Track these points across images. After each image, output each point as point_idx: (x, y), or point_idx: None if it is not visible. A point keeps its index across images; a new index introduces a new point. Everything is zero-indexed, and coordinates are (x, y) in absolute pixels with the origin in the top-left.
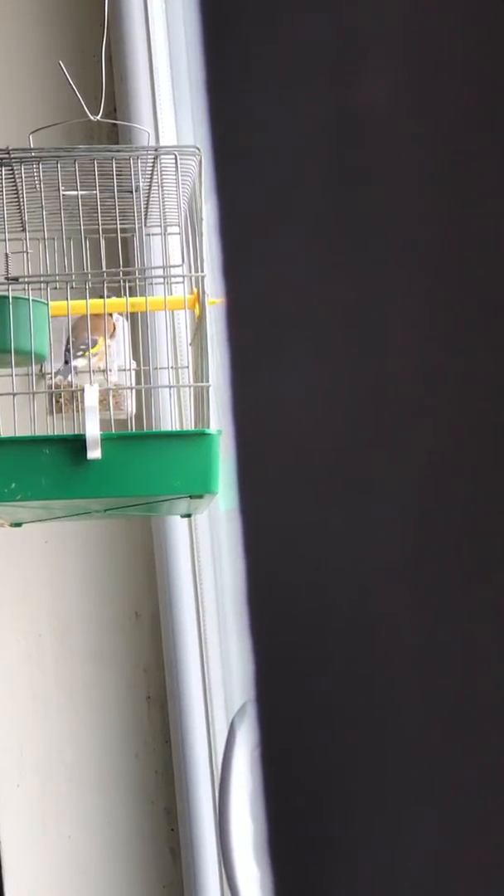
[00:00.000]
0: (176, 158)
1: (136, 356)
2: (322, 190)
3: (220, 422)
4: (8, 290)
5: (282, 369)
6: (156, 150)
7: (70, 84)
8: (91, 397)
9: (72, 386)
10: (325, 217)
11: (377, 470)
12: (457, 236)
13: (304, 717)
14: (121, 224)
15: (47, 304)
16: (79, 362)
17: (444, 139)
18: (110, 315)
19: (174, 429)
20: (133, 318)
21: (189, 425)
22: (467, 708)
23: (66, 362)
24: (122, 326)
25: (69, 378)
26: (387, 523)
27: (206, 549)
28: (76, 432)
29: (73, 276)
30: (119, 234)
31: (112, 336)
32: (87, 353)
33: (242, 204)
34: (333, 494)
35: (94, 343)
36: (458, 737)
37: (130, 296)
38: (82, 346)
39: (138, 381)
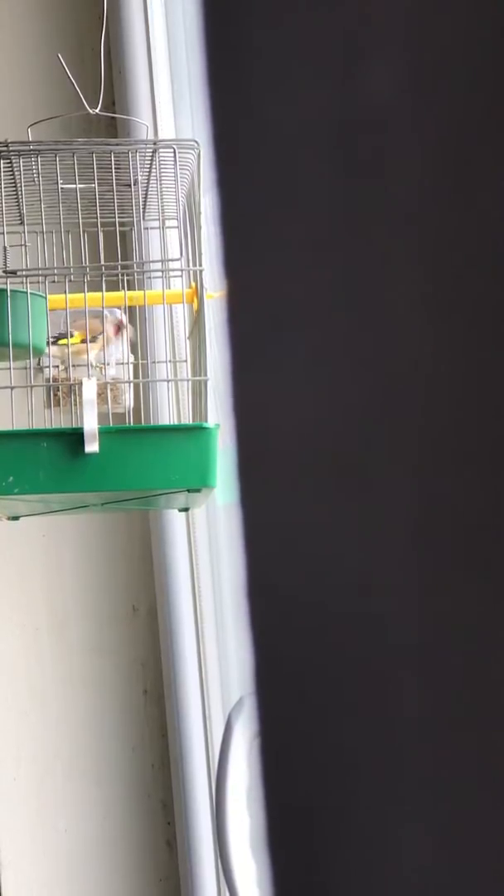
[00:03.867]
0: (174, 152)
1: (134, 350)
2: (323, 183)
3: (217, 416)
4: (6, 283)
5: (282, 363)
6: (154, 143)
7: (68, 77)
8: (89, 391)
9: (61, 376)
10: (326, 210)
11: (378, 463)
12: (461, 230)
13: (304, 710)
14: (119, 217)
15: (45, 298)
16: (52, 349)
17: (448, 133)
18: (115, 320)
19: (172, 423)
20: (131, 311)
21: (187, 419)
22: (470, 702)
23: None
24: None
25: (43, 363)
26: (388, 516)
27: (204, 544)
28: (74, 426)
29: (72, 270)
30: (117, 228)
31: (114, 335)
32: (59, 342)
33: (242, 197)
34: (334, 487)
35: (72, 335)
36: (460, 731)
37: (128, 289)
38: (56, 335)
39: (136, 375)
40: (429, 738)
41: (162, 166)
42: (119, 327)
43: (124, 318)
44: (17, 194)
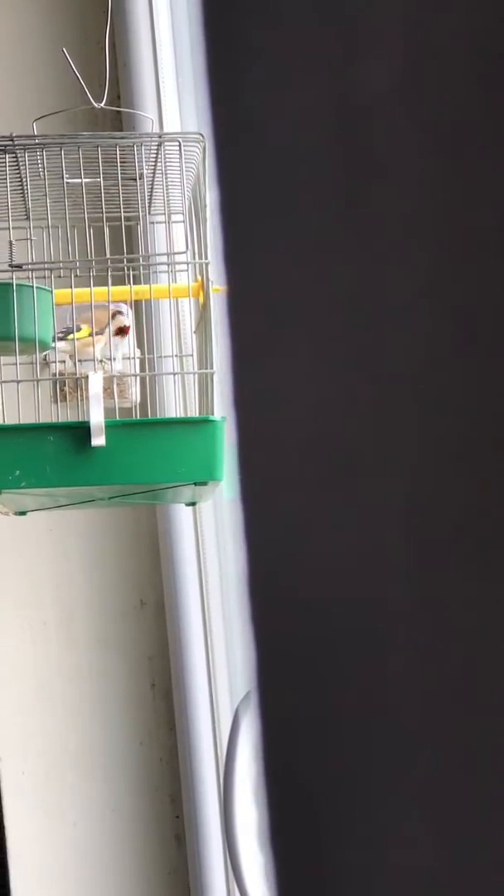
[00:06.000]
0: (180, 145)
1: (140, 344)
2: (325, 177)
3: (224, 409)
4: (12, 277)
5: (285, 357)
6: (159, 137)
7: (74, 71)
8: (95, 384)
9: (67, 370)
10: (329, 204)
11: (379, 457)
12: (460, 225)
13: (307, 705)
14: (124, 211)
15: (51, 292)
16: (60, 344)
17: (447, 127)
18: (118, 312)
19: (178, 416)
20: (137, 305)
21: (193, 412)
22: (471, 697)
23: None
24: (128, 319)
25: (51, 358)
26: (389, 511)
27: (211, 537)
28: (80, 419)
29: (77, 264)
30: (123, 222)
31: (121, 334)
32: (67, 337)
33: (245, 191)
34: (336, 482)
35: (78, 329)
36: (461, 725)
37: (134, 283)
38: (64, 330)
39: (142, 369)
40: (432, 732)
41: (167, 160)
42: (122, 331)
43: (128, 319)
44: (22, 189)
